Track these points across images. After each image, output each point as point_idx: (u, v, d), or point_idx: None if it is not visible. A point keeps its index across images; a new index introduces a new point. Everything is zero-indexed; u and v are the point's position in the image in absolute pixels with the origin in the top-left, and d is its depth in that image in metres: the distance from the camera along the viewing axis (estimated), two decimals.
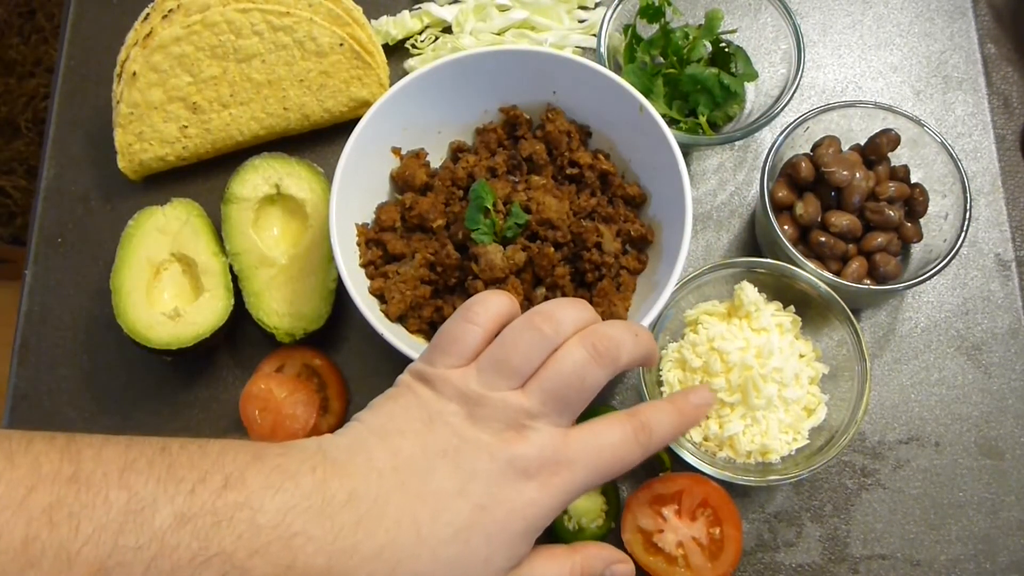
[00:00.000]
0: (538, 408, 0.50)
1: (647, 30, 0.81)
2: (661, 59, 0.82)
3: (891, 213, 0.73)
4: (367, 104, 0.81)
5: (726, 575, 0.68)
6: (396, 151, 0.76)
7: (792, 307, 0.73)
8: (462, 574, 0.46)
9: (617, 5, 0.79)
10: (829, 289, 0.71)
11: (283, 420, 0.71)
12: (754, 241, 0.81)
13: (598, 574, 0.54)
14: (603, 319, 0.69)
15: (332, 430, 0.75)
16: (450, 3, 0.89)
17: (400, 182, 0.76)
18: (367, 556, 0.45)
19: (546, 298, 0.70)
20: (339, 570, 0.44)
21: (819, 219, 0.74)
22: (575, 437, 0.50)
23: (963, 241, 0.71)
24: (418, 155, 0.77)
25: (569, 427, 0.52)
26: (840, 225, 0.73)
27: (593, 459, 0.50)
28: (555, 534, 0.71)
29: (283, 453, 0.47)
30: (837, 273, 0.73)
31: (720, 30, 0.80)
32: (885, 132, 0.75)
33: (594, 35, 0.87)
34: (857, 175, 0.73)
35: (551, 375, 0.51)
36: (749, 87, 0.83)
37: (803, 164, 0.74)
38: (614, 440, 0.51)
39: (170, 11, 0.78)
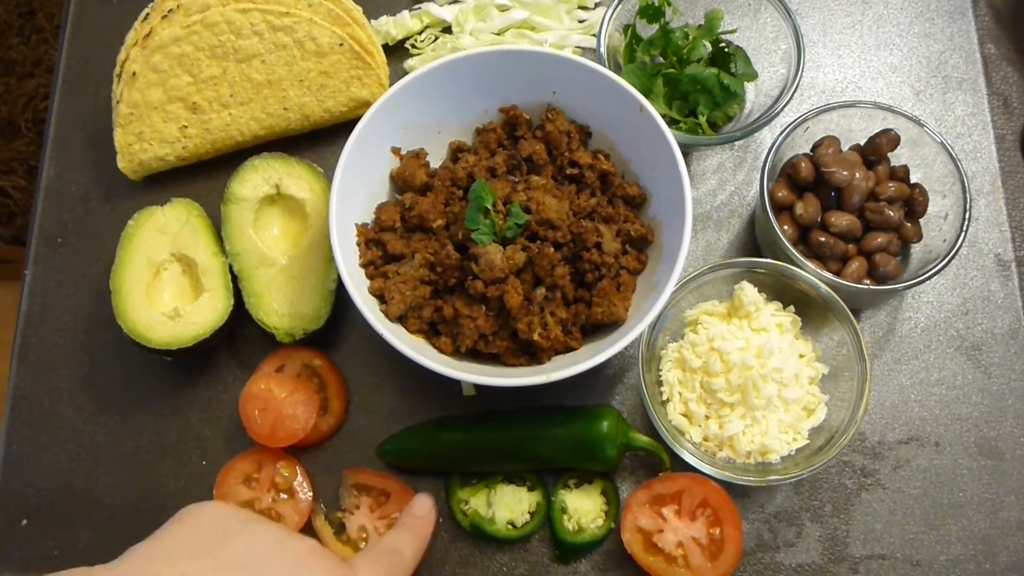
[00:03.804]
0: None
1: (647, 30, 0.81)
2: (661, 59, 0.82)
3: (891, 213, 0.73)
4: (367, 104, 0.81)
5: (726, 575, 0.68)
6: (396, 151, 0.76)
7: (792, 307, 0.73)
8: None
9: (617, 5, 0.79)
10: (829, 289, 0.71)
11: (283, 420, 0.71)
12: (754, 241, 0.81)
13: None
14: (603, 319, 0.70)
15: (332, 430, 0.76)
16: (450, 3, 0.89)
17: (400, 182, 0.76)
18: None
19: (546, 298, 0.70)
20: None
21: (819, 219, 0.74)
22: None
23: (963, 241, 0.71)
24: (418, 155, 0.77)
25: None
26: (840, 225, 0.73)
27: None
28: (555, 535, 0.71)
29: None
30: (837, 273, 0.73)
31: (720, 30, 0.80)
32: (885, 132, 0.75)
33: (594, 35, 0.87)
34: (857, 175, 0.73)
35: None
36: (749, 87, 0.83)
37: (803, 164, 0.74)
38: None
39: (170, 11, 0.78)
